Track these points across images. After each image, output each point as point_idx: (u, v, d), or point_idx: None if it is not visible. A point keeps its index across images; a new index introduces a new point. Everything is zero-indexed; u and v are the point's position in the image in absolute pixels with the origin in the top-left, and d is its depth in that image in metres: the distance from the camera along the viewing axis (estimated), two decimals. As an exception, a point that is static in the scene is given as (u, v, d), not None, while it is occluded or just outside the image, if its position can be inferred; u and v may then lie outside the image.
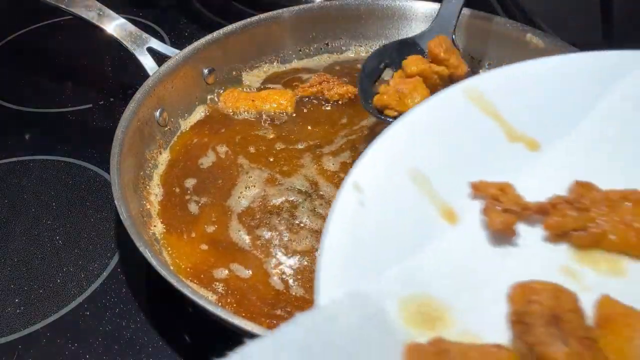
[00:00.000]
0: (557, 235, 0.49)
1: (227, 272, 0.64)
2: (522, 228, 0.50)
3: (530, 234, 0.50)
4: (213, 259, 0.65)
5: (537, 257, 0.49)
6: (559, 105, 0.58)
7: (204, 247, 0.66)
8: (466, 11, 0.91)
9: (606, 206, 0.50)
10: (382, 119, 0.73)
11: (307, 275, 0.63)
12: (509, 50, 0.89)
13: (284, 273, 0.63)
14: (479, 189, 0.52)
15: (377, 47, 0.95)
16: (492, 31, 0.90)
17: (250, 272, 0.63)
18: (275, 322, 0.58)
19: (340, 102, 0.85)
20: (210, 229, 0.68)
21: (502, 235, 0.49)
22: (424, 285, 0.45)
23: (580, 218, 0.49)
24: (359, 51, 0.96)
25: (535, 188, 0.52)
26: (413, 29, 0.94)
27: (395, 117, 0.69)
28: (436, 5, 0.92)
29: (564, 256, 0.49)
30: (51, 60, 1.07)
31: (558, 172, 0.54)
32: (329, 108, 0.85)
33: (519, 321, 0.41)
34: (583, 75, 0.59)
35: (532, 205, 0.50)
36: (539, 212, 0.50)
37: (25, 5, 1.18)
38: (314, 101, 0.86)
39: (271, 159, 0.77)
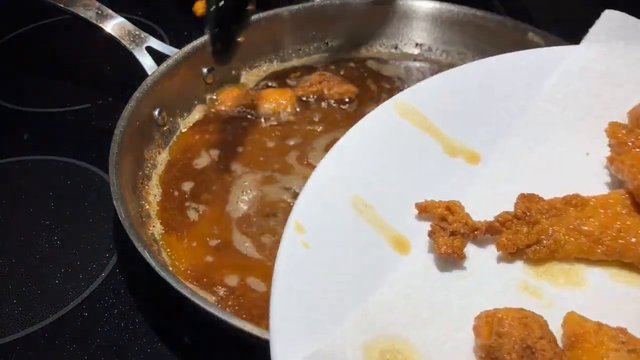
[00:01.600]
0: (511, 254, 0.48)
1: (228, 277, 0.63)
2: (472, 249, 0.49)
3: (482, 255, 0.49)
4: (215, 265, 0.64)
5: (492, 277, 0.48)
6: (492, 110, 0.57)
7: (208, 257, 0.66)
8: (467, 9, 0.91)
9: (553, 215, 0.49)
10: None
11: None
12: (510, 50, 0.88)
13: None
14: (425, 210, 0.50)
15: (378, 46, 0.95)
16: (493, 30, 0.89)
17: (253, 278, 0.63)
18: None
19: (340, 101, 0.85)
20: (213, 236, 0.67)
21: (450, 259, 0.48)
22: (383, 327, 0.44)
23: (532, 232, 0.48)
24: (359, 50, 0.95)
25: (482, 204, 0.51)
26: (413, 28, 0.94)
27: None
28: (436, 5, 0.92)
29: (520, 273, 0.48)
30: (50, 59, 1.06)
31: (501, 184, 0.53)
32: (328, 107, 0.85)
33: (489, 357, 0.40)
34: (511, 77, 0.58)
35: (480, 225, 0.49)
36: (489, 232, 0.49)
37: (24, 5, 1.18)
38: (314, 100, 0.86)
39: (272, 159, 0.76)
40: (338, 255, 0.47)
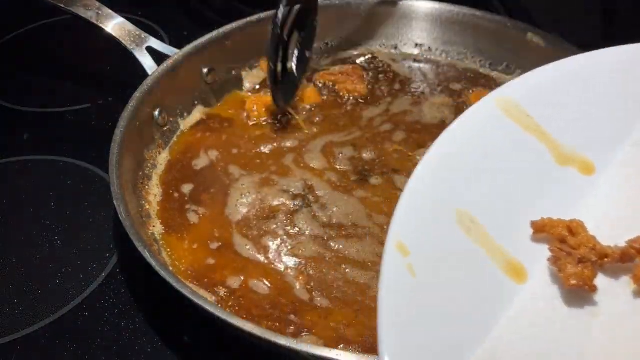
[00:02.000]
0: None
1: (229, 278, 0.63)
2: (601, 280, 0.41)
3: (613, 287, 0.41)
4: (216, 266, 0.64)
5: (628, 316, 0.40)
6: (606, 111, 0.49)
7: (209, 257, 0.66)
8: (467, 10, 0.91)
9: None
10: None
11: (308, 280, 0.63)
12: (509, 50, 0.89)
13: (285, 279, 0.63)
14: (542, 230, 0.43)
15: (378, 46, 0.95)
16: (492, 30, 0.90)
17: (254, 280, 0.63)
18: (277, 324, 0.58)
19: (346, 99, 0.85)
20: (213, 237, 0.67)
21: (578, 292, 0.40)
22: None
23: None
24: (359, 50, 0.95)
25: (602, 224, 0.43)
26: (413, 28, 0.94)
27: None
28: (436, 5, 0.92)
29: None
30: (50, 59, 1.07)
31: (621, 201, 0.45)
32: (335, 108, 0.85)
33: None
34: (628, 73, 0.50)
35: (611, 251, 0.41)
36: (622, 260, 0.41)
37: (24, 5, 1.18)
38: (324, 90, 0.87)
39: (271, 161, 0.77)
40: (448, 283, 0.40)
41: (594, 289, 0.40)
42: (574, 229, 0.42)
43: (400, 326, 0.38)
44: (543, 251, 0.42)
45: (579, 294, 0.41)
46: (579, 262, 0.40)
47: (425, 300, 0.39)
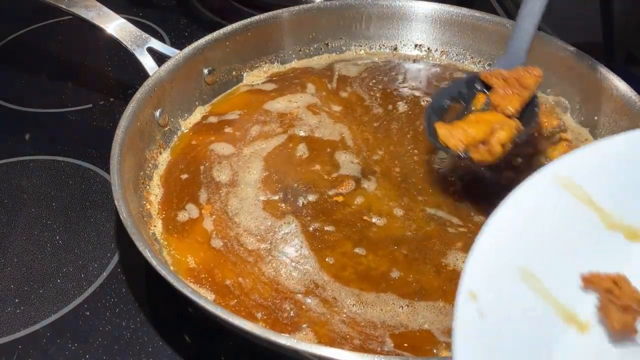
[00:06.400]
0: None
1: (228, 275, 0.64)
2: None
3: None
4: (216, 264, 0.65)
5: None
6: None
7: (209, 256, 0.66)
8: (465, 11, 0.91)
9: None
10: (457, 154, 0.67)
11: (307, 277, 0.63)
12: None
13: (279, 273, 0.64)
14: (591, 282, 0.49)
15: (378, 47, 0.96)
16: (491, 31, 0.90)
17: (247, 278, 0.64)
18: (275, 322, 0.59)
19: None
20: (213, 236, 0.68)
21: (623, 335, 0.46)
22: None
23: None
24: (359, 51, 0.96)
25: None
26: (413, 29, 0.94)
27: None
28: (435, 6, 0.93)
29: None
30: (51, 60, 1.07)
31: None
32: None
33: None
34: None
35: None
36: None
37: (25, 5, 1.18)
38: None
39: (272, 161, 0.77)
40: (514, 326, 0.46)
41: (634, 332, 0.46)
42: (618, 282, 0.47)
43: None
44: (592, 302, 0.48)
45: (621, 338, 0.46)
46: (624, 310, 0.46)
47: (492, 338, 0.45)
